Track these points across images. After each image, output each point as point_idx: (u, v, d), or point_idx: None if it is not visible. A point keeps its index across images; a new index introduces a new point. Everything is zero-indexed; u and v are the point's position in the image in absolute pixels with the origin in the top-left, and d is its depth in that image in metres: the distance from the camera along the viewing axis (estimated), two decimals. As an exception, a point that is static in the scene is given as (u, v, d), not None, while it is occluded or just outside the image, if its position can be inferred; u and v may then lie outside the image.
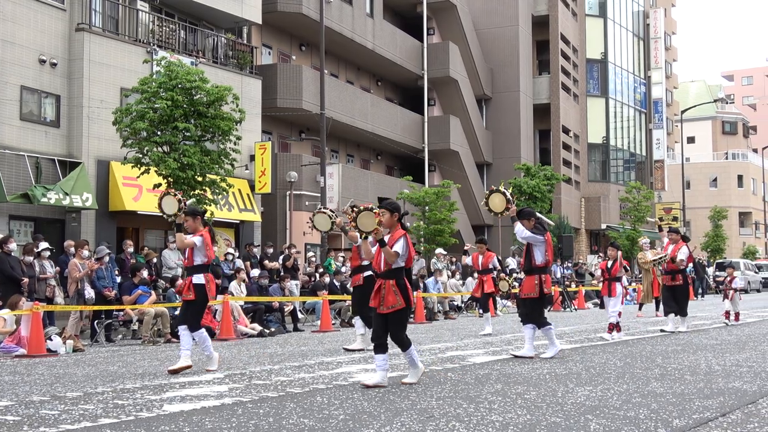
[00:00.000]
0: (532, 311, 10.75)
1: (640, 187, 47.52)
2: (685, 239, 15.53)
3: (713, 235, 57.08)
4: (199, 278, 9.70)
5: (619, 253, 14.44)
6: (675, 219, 56.44)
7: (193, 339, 9.68)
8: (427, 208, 31.19)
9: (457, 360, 10.62)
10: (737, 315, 17.45)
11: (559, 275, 31.55)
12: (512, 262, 30.16)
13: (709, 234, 57.58)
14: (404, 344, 8.12)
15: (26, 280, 14.64)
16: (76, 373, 9.98)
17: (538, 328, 10.69)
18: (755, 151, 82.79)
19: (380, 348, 8.02)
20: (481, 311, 23.04)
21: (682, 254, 15.11)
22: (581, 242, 49.68)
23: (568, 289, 28.25)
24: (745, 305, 28.10)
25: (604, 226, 50.54)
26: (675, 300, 15.11)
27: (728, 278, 18.00)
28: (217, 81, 21.82)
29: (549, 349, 10.67)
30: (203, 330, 9.79)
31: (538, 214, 10.97)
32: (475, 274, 17.66)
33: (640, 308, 21.71)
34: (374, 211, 8.07)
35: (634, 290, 31.47)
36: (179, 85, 19.16)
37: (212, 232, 10.09)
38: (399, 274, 8.13)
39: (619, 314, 13.84)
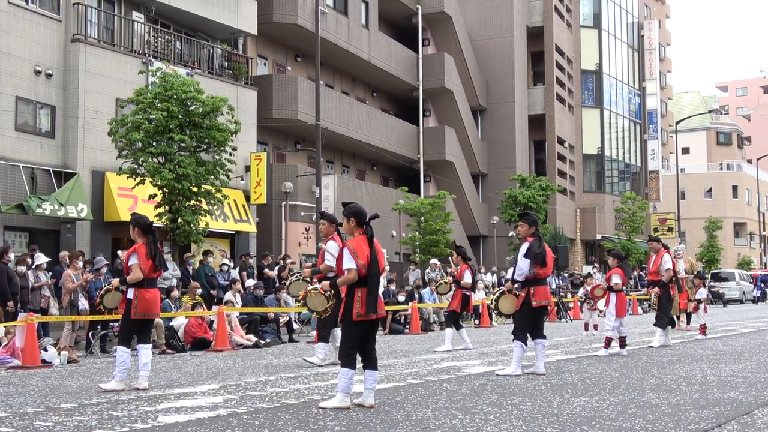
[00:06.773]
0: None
1: (635, 198, 47.64)
2: (665, 247, 14.14)
3: (708, 245, 57.21)
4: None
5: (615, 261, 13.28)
6: (670, 230, 56.57)
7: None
8: (422, 218, 31.21)
9: (453, 371, 10.61)
10: (702, 328, 16.38)
11: (554, 286, 31.57)
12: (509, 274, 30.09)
13: (704, 245, 57.71)
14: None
15: (10, 304, 14.55)
16: (70, 385, 9.95)
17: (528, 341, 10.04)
18: (750, 161, 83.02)
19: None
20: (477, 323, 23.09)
21: (666, 263, 13.77)
22: (576, 253, 49.72)
23: (564, 300, 28.23)
24: (740, 315, 28.19)
25: (599, 237, 50.60)
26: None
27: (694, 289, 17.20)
28: (213, 92, 21.82)
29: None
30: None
31: None
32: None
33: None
34: (319, 290, 7.89)
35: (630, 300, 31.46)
36: (175, 96, 19.17)
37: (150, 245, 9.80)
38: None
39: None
